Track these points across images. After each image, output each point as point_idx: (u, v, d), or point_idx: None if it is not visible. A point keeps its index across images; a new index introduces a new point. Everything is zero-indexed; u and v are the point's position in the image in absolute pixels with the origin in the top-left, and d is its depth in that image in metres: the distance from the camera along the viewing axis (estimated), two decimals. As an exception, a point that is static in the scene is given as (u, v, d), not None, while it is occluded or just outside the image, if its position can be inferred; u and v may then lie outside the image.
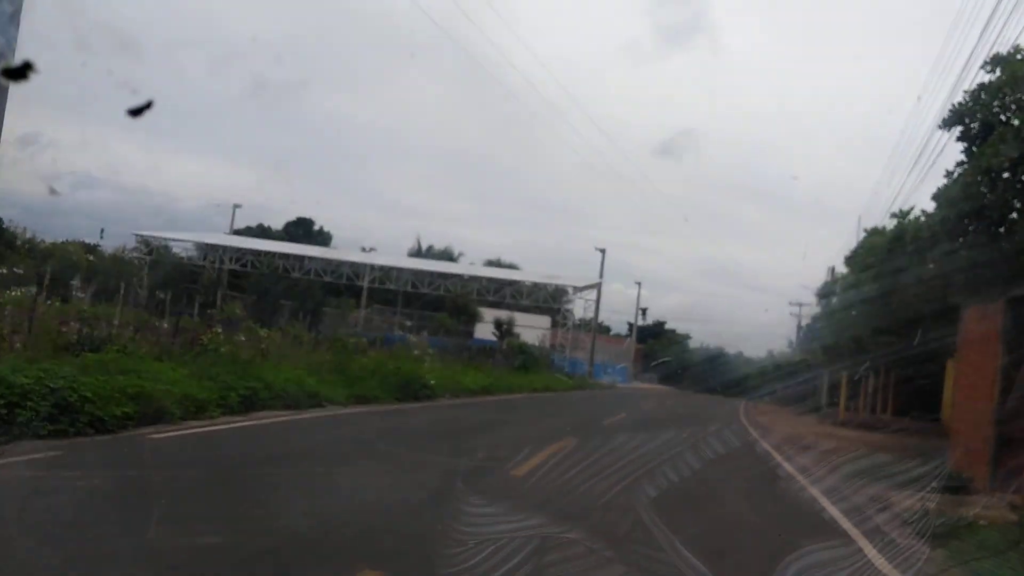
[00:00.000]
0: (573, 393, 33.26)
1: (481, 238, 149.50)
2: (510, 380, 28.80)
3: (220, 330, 16.98)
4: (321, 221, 74.44)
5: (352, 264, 52.35)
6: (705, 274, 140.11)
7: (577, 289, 49.72)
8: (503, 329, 45.32)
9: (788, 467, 12.57)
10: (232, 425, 11.06)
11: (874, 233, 45.61)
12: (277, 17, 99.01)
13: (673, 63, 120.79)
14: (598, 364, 61.03)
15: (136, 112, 2.34)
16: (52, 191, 74.51)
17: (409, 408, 17.21)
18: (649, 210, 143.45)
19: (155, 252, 52.33)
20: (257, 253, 53.95)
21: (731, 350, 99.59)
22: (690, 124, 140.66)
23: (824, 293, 26.65)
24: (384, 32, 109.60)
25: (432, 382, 20.03)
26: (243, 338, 18.87)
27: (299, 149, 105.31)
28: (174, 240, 51.04)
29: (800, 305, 79.54)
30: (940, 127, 20.63)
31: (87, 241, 55.52)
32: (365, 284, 51.33)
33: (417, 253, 70.11)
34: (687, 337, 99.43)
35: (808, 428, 26.67)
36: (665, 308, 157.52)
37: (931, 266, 18.29)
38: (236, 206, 60.05)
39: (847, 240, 62.21)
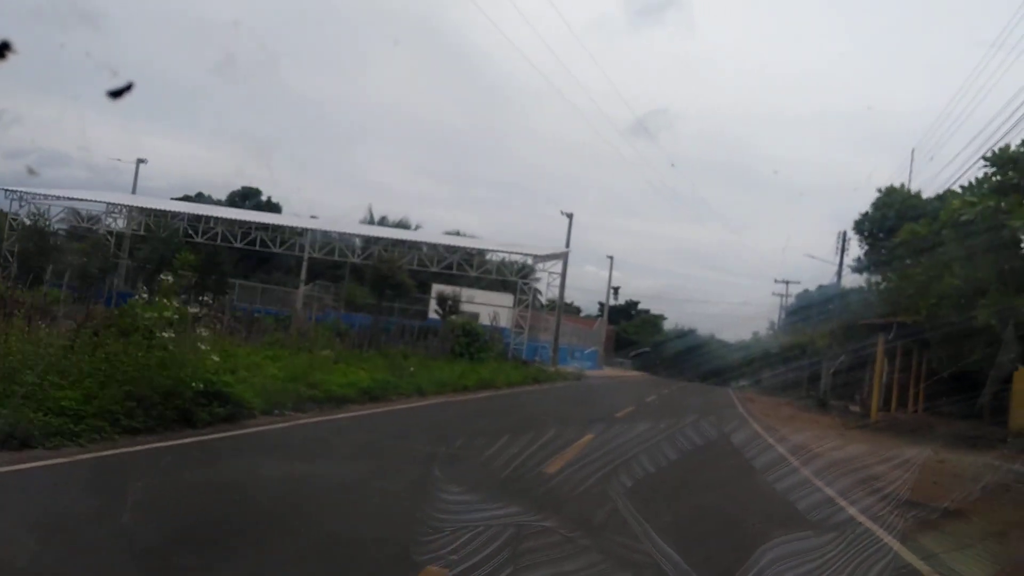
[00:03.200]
0: (522, 391, 23.86)
1: (448, 217, 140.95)
2: (428, 375, 19.40)
3: None
4: (274, 194, 64.54)
5: (264, 227, 42.56)
6: (680, 256, 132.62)
7: (539, 258, 40.27)
8: (447, 306, 35.83)
9: None
10: None
11: (891, 192, 36.74)
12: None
13: (646, 41, 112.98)
14: (564, 348, 51.77)
15: (116, 94, 2.38)
16: (30, 171, 63.74)
17: (93, 463, 7.64)
18: (622, 190, 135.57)
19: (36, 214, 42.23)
20: (163, 214, 44.05)
21: (708, 333, 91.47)
22: (664, 103, 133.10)
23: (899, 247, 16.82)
24: (354, 7, 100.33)
25: (230, 387, 10.45)
26: None
27: (264, 125, 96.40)
28: (49, 196, 40.80)
29: (787, 283, 70.93)
30: None
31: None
32: (306, 255, 41.75)
33: (369, 225, 60.60)
34: (662, 318, 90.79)
35: (860, 446, 17.62)
36: (639, 290, 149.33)
37: None
38: (140, 161, 50.04)
39: (856, 207, 53.07)
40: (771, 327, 77.40)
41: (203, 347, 10.40)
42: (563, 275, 44.10)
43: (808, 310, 66.57)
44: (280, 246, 42.14)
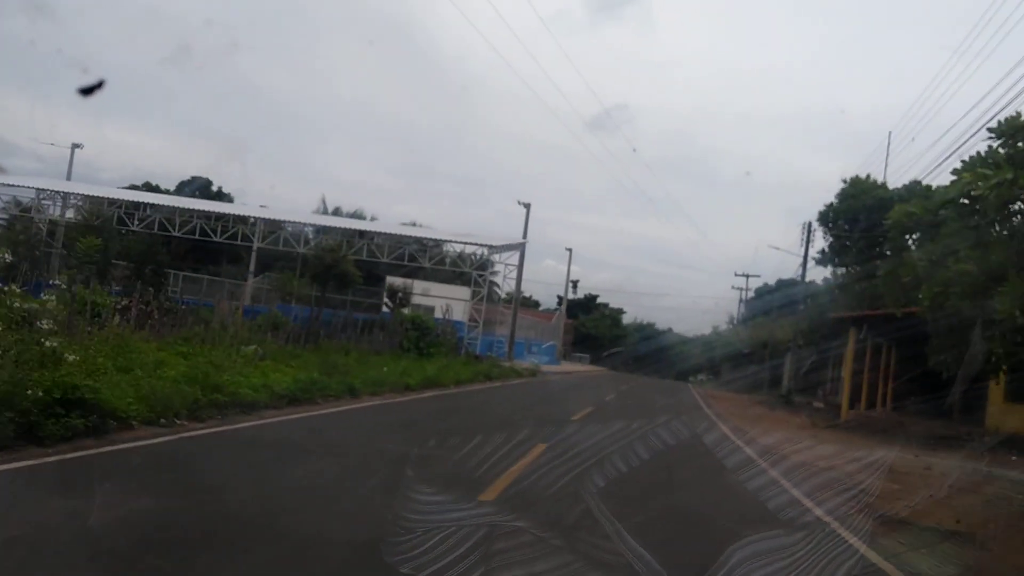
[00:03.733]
0: (471, 390, 21.93)
1: (408, 212, 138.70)
2: (365, 373, 17.46)
3: None
4: (227, 186, 61.22)
5: (206, 216, 40.06)
6: (640, 251, 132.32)
7: (494, 248, 38.40)
8: (397, 299, 33.83)
9: None
10: None
11: (856, 183, 35.61)
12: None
13: (606, 37, 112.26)
14: (521, 342, 50.02)
15: (87, 91, 2.52)
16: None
17: None
18: (583, 186, 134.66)
19: None
20: (99, 202, 41.30)
21: (667, 327, 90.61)
22: (623, 99, 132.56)
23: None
24: (319, 2, 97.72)
25: (97, 393, 8.42)
26: None
27: (226, 120, 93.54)
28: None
29: (747, 276, 70.03)
30: None
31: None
32: (255, 245, 39.35)
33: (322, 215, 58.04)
34: (621, 312, 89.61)
35: (835, 447, 16.11)
36: (599, 284, 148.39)
37: None
38: (76, 146, 47.17)
39: (820, 201, 52.18)
40: (730, 321, 76.62)
41: (48, 343, 8.32)
42: (520, 266, 42.39)
43: (770, 304, 65.73)
44: (221, 235, 39.69)
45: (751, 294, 72.52)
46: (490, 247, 37.39)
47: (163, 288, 35.99)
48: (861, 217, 34.24)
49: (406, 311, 31.86)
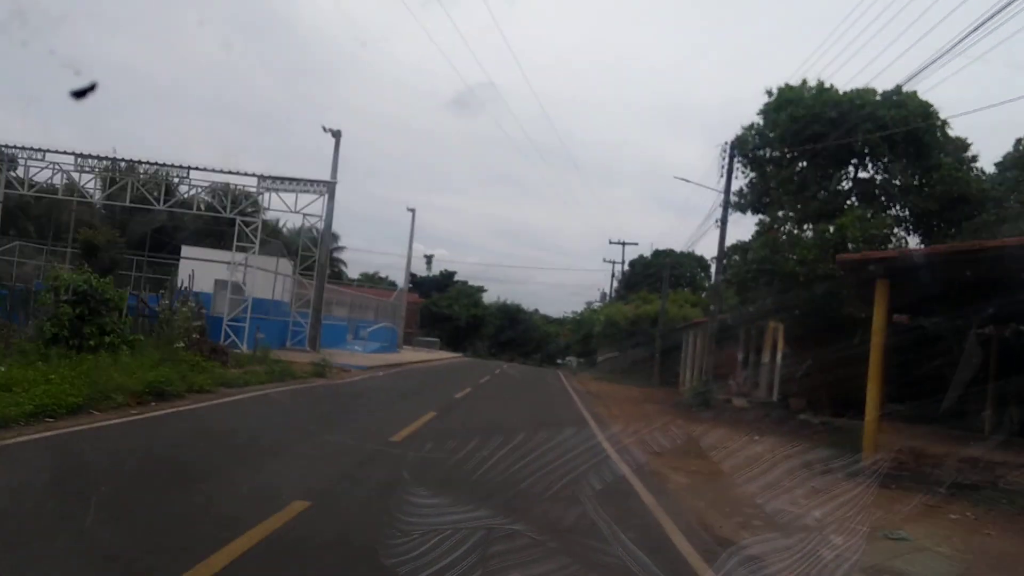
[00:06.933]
0: (41, 440, 8.79)
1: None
2: None
3: None
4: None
5: None
6: (503, 234, 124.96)
7: (265, 181, 25.14)
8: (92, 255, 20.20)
9: None
10: None
11: (788, 92, 25.36)
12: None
13: (467, 13, 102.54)
14: (343, 324, 37.26)
15: (80, 94, 2.68)
16: None
17: None
18: (445, 167, 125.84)
19: None
20: None
21: (533, 308, 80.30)
22: (488, 78, 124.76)
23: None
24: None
25: None
26: None
27: (32, 81, 76.14)
28: None
29: (623, 244, 59.80)
30: None
31: None
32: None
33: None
34: (481, 290, 78.07)
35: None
36: (465, 269, 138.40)
37: None
38: None
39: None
40: (603, 297, 66.64)
41: None
42: (328, 218, 29.44)
43: (651, 272, 55.73)
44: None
45: (627, 267, 62.53)
46: (261, 177, 24.10)
47: None
48: (804, 132, 23.55)
49: (65, 275, 18.15)
